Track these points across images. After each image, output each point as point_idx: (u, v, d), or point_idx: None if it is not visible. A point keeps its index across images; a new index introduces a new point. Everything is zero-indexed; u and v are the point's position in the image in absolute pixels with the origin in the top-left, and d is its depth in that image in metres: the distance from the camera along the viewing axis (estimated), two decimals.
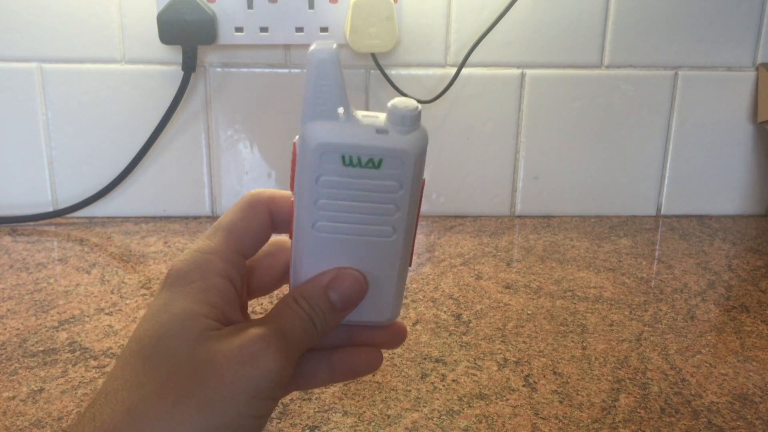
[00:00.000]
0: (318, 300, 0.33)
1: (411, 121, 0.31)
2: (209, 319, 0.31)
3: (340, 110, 0.31)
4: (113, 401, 0.29)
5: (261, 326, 0.31)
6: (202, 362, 0.29)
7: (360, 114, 0.31)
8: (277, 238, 0.36)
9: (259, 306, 0.66)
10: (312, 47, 0.30)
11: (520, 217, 0.91)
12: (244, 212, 0.34)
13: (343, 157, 0.31)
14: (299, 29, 0.82)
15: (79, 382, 0.54)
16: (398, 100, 0.31)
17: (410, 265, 0.35)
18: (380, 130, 0.31)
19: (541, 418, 0.51)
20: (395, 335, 0.37)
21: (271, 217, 0.35)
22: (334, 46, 0.30)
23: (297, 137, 0.32)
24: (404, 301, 0.68)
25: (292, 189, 0.33)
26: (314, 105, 0.31)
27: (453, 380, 0.55)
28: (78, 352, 0.58)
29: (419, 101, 0.85)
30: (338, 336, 0.36)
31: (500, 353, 0.59)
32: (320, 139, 0.30)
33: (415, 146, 0.31)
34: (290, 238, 0.34)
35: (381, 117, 0.31)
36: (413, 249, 0.35)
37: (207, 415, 0.28)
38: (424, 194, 0.35)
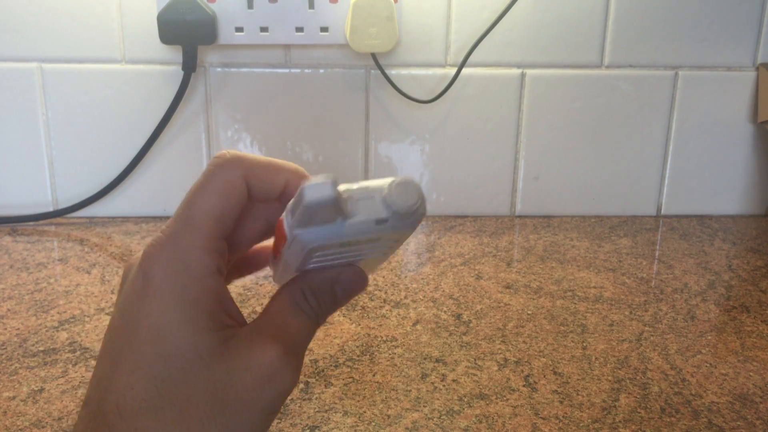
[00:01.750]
0: (326, 295, 0.32)
1: (414, 217, 0.29)
2: (214, 332, 0.29)
3: (333, 207, 0.28)
4: (128, 425, 0.28)
5: (275, 342, 0.30)
6: (221, 385, 0.28)
7: (357, 192, 0.28)
8: (220, 170, 0.31)
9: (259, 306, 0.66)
10: (306, 184, 0.27)
11: (520, 217, 0.91)
12: (220, 189, 0.30)
13: (341, 243, 0.30)
14: (299, 29, 0.82)
15: (80, 382, 0.54)
16: (400, 187, 0.28)
17: None
18: (380, 221, 0.28)
19: (542, 418, 0.51)
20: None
21: (247, 186, 0.31)
22: (331, 181, 0.27)
23: (283, 215, 0.29)
24: (405, 301, 0.68)
25: (275, 252, 0.31)
26: (307, 222, 0.28)
27: (453, 380, 0.55)
28: (78, 352, 0.58)
29: (419, 101, 0.85)
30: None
31: (500, 353, 0.59)
32: (314, 244, 0.29)
33: (413, 228, 0.30)
34: (274, 252, 0.32)
35: (379, 195, 0.28)
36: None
37: None
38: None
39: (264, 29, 0.82)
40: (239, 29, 0.82)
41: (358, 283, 0.33)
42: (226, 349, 0.29)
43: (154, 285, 0.29)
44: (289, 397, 0.52)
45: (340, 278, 0.32)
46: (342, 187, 0.28)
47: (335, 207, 0.27)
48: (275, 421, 0.50)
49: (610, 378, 0.56)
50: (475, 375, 0.56)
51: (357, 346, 0.60)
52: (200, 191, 0.30)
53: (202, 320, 0.29)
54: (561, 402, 0.53)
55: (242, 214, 0.32)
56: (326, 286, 0.32)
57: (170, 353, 0.28)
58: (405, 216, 0.28)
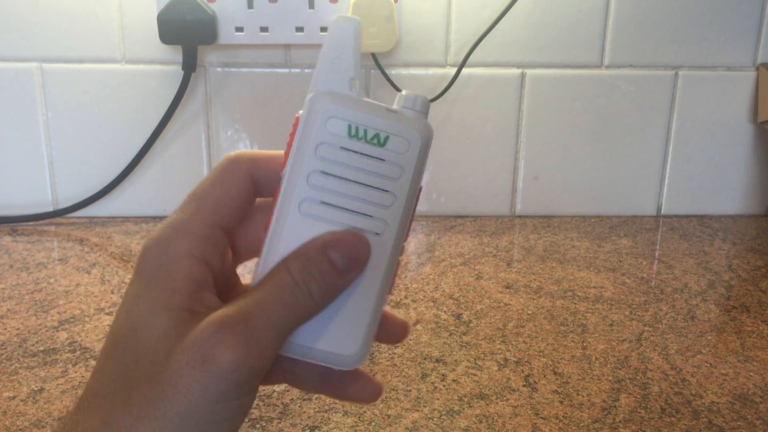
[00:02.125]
0: (316, 261, 0.29)
1: (422, 105, 0.30)
2: (175, 311, 0.28)
3: (354, 81, 0.30)
4: (94, 408, 0.27)
5: (221, 314, 0.27)
6: (161, 368, 0.26)
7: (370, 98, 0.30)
8: (226, 163, 0.32)
9: None
10: (335, 17, 0.30)
11: (520, 217, 0.91)
12: (220, 178, 0.30)
13: (350, 127, 0.29)
14: (299, 29, 0.82)
15: (80, 382, 0.54)
16: (409, 90, 0.31)
17: (391, 294, 0.31)
18: (390, 110, 0.30)
19: (542, 418, 0.51)
20: (372, 390, 0.32)
21: (252, 181, 0.31)
22: (359, 20, 0.30)
23: (300, 111, 0.30)
24: (405, 301, 0.68)
25: (282, 167, 0.30)
26: (329, 72, 0.30)
27: (453, 380, 0.55)
28: (78, 352, 0.58)
29: None
30: (308, 377, 0.32)
31: (500, 353, 0.59)
32: (330, 104, 0.29)
33: (423, 132, 0.30)
34: (266, 228, 0.30)
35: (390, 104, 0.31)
36: (396, 275, 0.31)
37: (166, 430, 0.26)
38: (423, 196, 0.34)
39: (264, 29, 0.82)
40: (239, 29, 0.81)
41: (360, 246, 0.29)
42: (177, 332, 0.27)
43: (140, 265, 0.29)
44: (289, 397, 0.52)
45: (333, 243, 0.29)
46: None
47: (356, 57, 0.30)
48: (275, 421, 0.50)
49: (610, 378, 0.56)
50: (475, 375, 0.56)
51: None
52: (202, 182, 0.30)
53: (163, 298, 0.28)
54: (561, 402, 0.53)
55: (247, 221, 0.32)
56: (314, 250, 0.29)
57: (131, 327, 0.28)
58: (415, 104, 0.30)
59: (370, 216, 0.30)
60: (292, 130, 0.30)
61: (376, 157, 0.29)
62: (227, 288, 0.32)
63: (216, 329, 0.27)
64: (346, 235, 0.29)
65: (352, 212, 0.30)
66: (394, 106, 0.30)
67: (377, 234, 0.30)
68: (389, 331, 0.33)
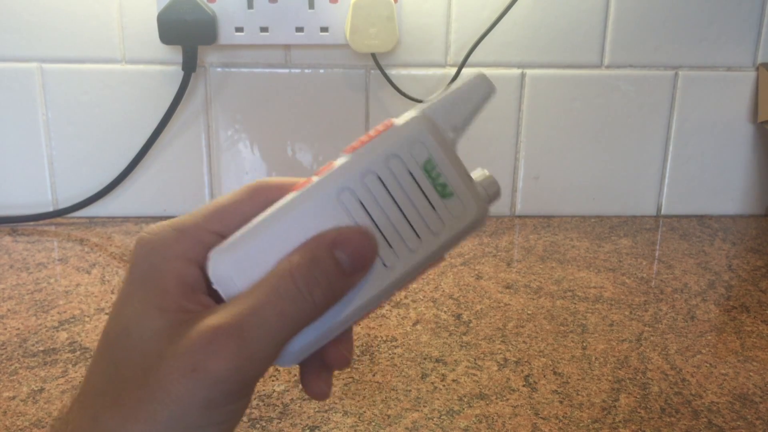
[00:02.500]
0: (322, 263, 0.27)
1: (494, 193, 0.31)
2: (167, 312, 0.27)
3: (457, 131, 0.31)
4: (85, 407, 0.27)
5: (215, 321, 0.27)
6: (151, 371, 0.26)
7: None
8: (252, 184, 0.31)
9: None
10: (480, 73, 0.31)
11: (520, 217, 0.91)
12: (239, 195, 0.30)
13: (429, 161, 0.29)
14: (299, 29, 0.82)
15: (80, 382, 0.54)
16: (490, 174, 0.32)
17: (357, 324, 0.31)
18: (469, 176, 0.31)
19: (542, 418, 0.51)
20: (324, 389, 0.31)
21: (270, 204, 0.30)
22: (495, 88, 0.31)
23: (397, 118, 0.30)
24: (405, 300, 0.68)
25: (349, 150, 0.30)
26: (444, 107, 0.30)
27: (453, 380, 0.55)
28: (78, 352, 0.58)
29: (419, 101, 0.85)
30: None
31: (500, 353, 0.59)
32: (428, 130, 0.29)
33: (480, 214, 0.30)
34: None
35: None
36: (370, 312, 0.30)
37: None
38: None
39: (264, 29, 0.82)
40: (239, 29, 0.82)
41: (367, 246, 0.28)
42: (171, 333, 0.27)
43: (134, 261, 0.29)
44: (289, 397, 0.52)
45: (339, 240, 0.28)
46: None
47: (472, 117, 0.31)
48: (275, 421, 0.50)
49: (610, 378, 0.56)
50: (475, 375, 0.56)
51: (357, 346, 0.60)
52: (223, 196, 0.31)
53: (156, 297, 0.27)
54: (561, 402, 0.53)
55: (237, 203, 0.31)
56: (321, 250, 0.28)
57: (123, 327, 0.28)
58: (491, 190, 0.31)
59: (390, 245, 0.29)
60: (380, 128, 0.30)
61: (431, 203, 0.30)
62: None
63: (209, 339, 0.26)
64: (354, 233, 0.28)
65: (379, 229, 0.29)
66: (473, 174, 0.31)
67: (385, 265, 0.29)
68: (334, 355, 0.31)
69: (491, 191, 0.31)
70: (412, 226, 0.29)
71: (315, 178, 0.29)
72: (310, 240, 0.28)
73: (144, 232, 0.29)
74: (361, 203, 0.29)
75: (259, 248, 0.28)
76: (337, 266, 0.28)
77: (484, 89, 0.31)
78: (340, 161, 0.29)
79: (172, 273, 0.28)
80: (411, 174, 0.29)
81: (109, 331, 0.28)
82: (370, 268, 0.29)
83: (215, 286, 0.29)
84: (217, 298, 0.29)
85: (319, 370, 0.31)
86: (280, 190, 0.30)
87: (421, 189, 0.29)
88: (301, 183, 0.30)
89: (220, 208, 0.30)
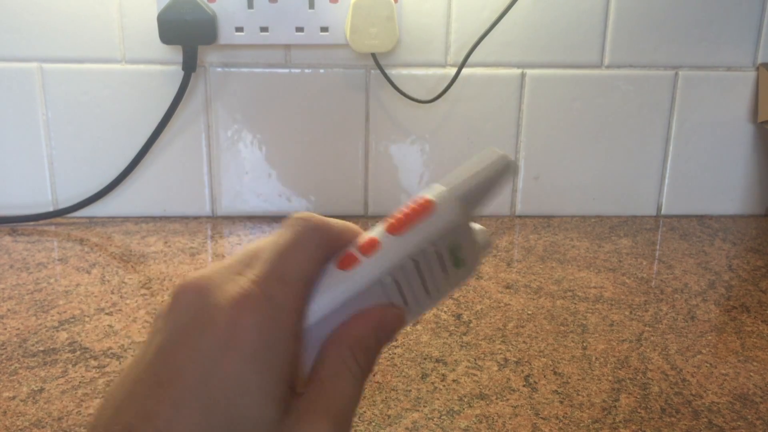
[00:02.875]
0: (373, 346, 0.29)
1: (488, 246, 0.33)
2: (280, 402, 0.27)
3: (476, 209, 0.32)
4: None
5: (326, 418, 0.27)
6: None
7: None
8: (301, 228, 0.30)
9: None
10: (505, 155, 0.32)
11: (520, 217, 0.91)
12: (313, 253, 0.29)
13: (457, 245, 0.31)
14: (299, 29, 0.82)
15: (80, 382, 0.54)
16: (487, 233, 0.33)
17: None
18: (476, 240, 0.33)
19: (542, 418, 0.51)
20: None
21: (326, 252, 0.30)
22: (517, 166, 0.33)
23: (431, 194, 0.31)
24: None
25: (393, 230, 0.30)
26: (473, 192, 0.31)
27: (453, 380, 0.55)
28: (78, 352, 0.58)
29: (419, 101, 0.85)
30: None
31: (500, 353, 0.59)
32: (463, 216, 0.31)
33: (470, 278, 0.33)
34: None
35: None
36: None
37: None
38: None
39: (264, 29, 0.82)
40: (239, 29, 0.81)
41: (399, 324, 0.31)
42: (284, 425, 0.27)
43: (242, 339, 0.26)
44: None
45: (382, 323, 0.30)
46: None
47: (489, 197, 0.32)
48: None
49: (610, 378, 0.56)
50: (475, 375, 0.56)
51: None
52: (294, 249, 0.28)
53: (275, 389, 0.26)
54: (561, 402, 0.53)
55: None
56: (371, 336, 0.29)
57: (234, 416, 0.26)
58: (485, 251, 0.33)
59: (406, 304, 0.31)
60: (419, 207, 0.31)
61: (446, 272, 0.31)
62: None
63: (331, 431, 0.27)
64: (391, 315, 0.30)
65: (402, 297, 0.31)
66: (476, 230, 0.32)
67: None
68: None
69: (487, 246, 0.33)
70: (427, 291, 0.32)
71: (363, 259, 0.30)
72: (360, 323, 0.30)
73: (254, 310, 0.27)
74: (397, 283, 0.30)
75: (317, 336, 0.30)
76: (378, 345, 0.30)
77: (509, 172, 0.32)
78: (385, 244, 0.30)
79: (288, 358, 0.27)
80: (439, 255, 0.31)
81: (213, 408, 0.25)
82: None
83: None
84: None
85: None
86: (334, 235, 0.30)
87: (443, 265, 0.31)
88: (345, 258, 0.30)
89: (303, 273, 0.29)
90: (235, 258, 0.30)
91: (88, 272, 0.74)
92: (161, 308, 0.28)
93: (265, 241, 0.31)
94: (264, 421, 0.26)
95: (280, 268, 0.28)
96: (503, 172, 0.32)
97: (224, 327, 0.26)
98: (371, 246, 0.30)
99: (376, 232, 0.31)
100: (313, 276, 0.29)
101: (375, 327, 0.29)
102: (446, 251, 0.31)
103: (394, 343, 0.60)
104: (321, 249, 0.29)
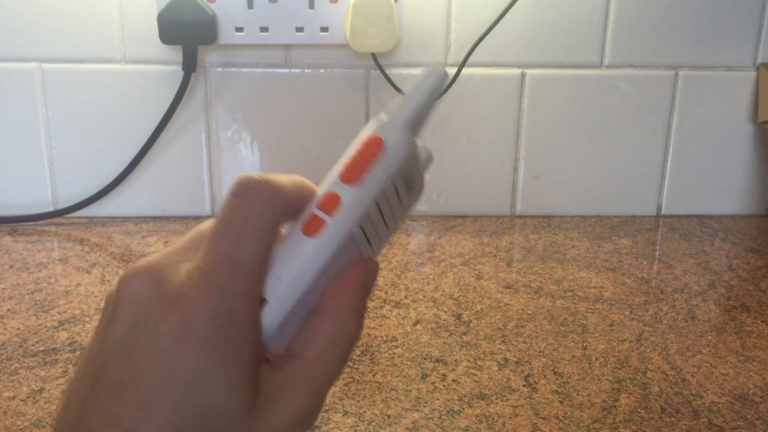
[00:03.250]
0: (358, 311, 0.29)
1: (429, 159, 0.33)
2: (247, 389, 0.27)
3: (419, 126, 0.31)
4: None
5: (306, 390, 0.28)
6: None
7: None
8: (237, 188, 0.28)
9: None
10: (434, 64, 0.31)
11: (520, 217, 0.91)
12: (264, 229, 0.27)
13: (409, 173, 0.31)
14: (299, 29, 0.82)
15: None
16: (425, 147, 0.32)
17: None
18: (422, 156, 0.32)
19: (542, 418, 0.51)
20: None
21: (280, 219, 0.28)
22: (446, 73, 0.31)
23: (376, 130, 0.30)
24: (405, 301, 0.68)
25: (346, 179, 0.29)
26: (416, 114, 0.30)
27: (453, 380, 0.55)
28: (78, 352, 0.58)
29: None
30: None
31: (501, 353, 0.59)
32: (412, 145, 0.30)
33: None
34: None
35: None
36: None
37: None
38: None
39: (264, 29, 0.82)
40: (239, 29, 0.81)
41: (377, 274, 0.30)
42: (256, 407, 0.27)
43: (197, 335, 0.25)
44: None
45: (366, 283, 0.29)
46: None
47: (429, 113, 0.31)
48: None
49: (610, 378, 0.56)
50: (475, 375, 0.56)
51: (357, 346, 0.60)
52: (245, 227, 0.27)
53: (239, 376, 0.26)
54: (561, 402, 0.53)
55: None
56: (359, 300, 0.29)
57: (202, 410, 0.26)
58: (428, 163, 0.32)
59: (373, 250, 0.31)
60: (368, 148, 0.29)
61: (401, 200, 0.31)
62: None
63: (310, 403, 0.27)
64: (371, 271, 0.30)
65: (372, 244, 0.30)
66: (420, 149, 0.32)
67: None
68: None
69: (429, 161, 0.32)
70: (386, 225, 0.31)
71: (329, 220, 0.28)
72: (345, 284, 0.29)
73: (206, 304, 0.26)
74: (363, 230, 0.29)
75: (299, 306, 0.29)
76: (364, 305, 0.30)
77: (441, 80, 0.31)
78: (346, 197, 0.29)
79: (249, 345, 0.27)
80: (396, 188, 0.30)
81: (179, 405, 0.25)
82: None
83: (272, 350, 0.29)
84: None
85: None
86: (285, 197, 0.28)
87: (399, 195, 0.31)
88: (310, 222, 0.29)
89: (258, 255, 0.27)
90: (183, 241, 0.29)
91: (89, 272, 0.74)
92: (109, 297, 0.28)
93: (213, 219, 0.30)
94: (234, 408, 0.26)
95: (230, 251, 0.26)
96: (437, 84, 0.31)
97: (178, 324, 0.25)
98: (334, 203, 0.28)
99: (333, 185, 0.29)
100: (268, 251, 0.27)
101: (360, 289, 0.29)
102: (401, 182, 0.30)
103: (394, 343, 0.60)
104: (275, 221, 0.27)
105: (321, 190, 0.29)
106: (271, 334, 0.28)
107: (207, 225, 0.29)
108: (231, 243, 0.26)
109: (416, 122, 0.30)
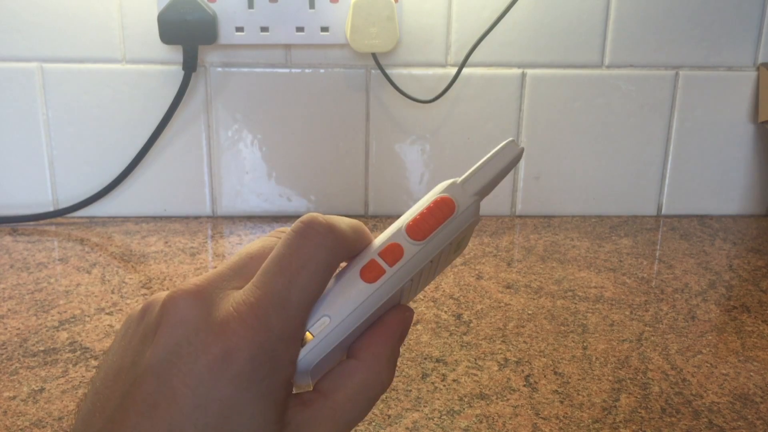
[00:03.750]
0: (393, 357, 0.29)
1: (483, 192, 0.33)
2: (277, 425, 0.27)
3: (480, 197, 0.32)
4: None
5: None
6: None
7: None
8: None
9: None
10: (513, 141, 0.32)
11: (520, 216, 0.91)
12: (322, 275, 0.27)
13: (464, 238, 0.32)
14: (300, 29, 0.82)
15: (80, 382, 0.54)
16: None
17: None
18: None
19: (542, 418, 0.51)
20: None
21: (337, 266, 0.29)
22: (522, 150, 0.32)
23: (449, 192, 0.30)
24: None
25: (415, 235, 0.29)
26: (486, 185, 0.31)
27: (453, 380, 0.55)
28: (78, 352, 0.58)
29: (419, 101, 0.85)
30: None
31: (501, 353, 0.59)
32: (476, 218, 0.31)
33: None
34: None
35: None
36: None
37: None
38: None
39: (264, 29, 0.82)
40: (240, 29, 0.82)
41: (410, 322, 0.31)
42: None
43: (237, 369, 0.25)
44: None
45: (403, 332, 0.30)
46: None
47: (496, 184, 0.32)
48: None
49: (610, 378, 0.56)
50: (475, 375, 0.56)
51: None
52: (301, 268, 0.27)
53: (270, 414, 0.26)
54: (561, 402, 0.53)
55: None
56: (395, 346, 0.29)
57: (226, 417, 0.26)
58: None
59: (411, 298, 0.32)
60: (439, 209, 0.30)
61: (448, 257, 0.32)
62: None
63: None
64: (408, 321, 0.30)
65: (411, 294, 0.31)
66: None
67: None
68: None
69: (477, 221, 0.32)
70: (429, 276, 0.32)
71: (389, 270, 0.29)
72: (386, 340, 0.29)
73: (251, 340, 0.26)
74: (412, 282, 0.30)
75: (339, 346, 0.29)
76: (397, 352, 0.30)
77: (517, 157, 0.32)
78: (409, 250, 0.29)
79: (285, 384, 0.27)
80: (450, 248, 0.31)
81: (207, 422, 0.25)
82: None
83: (299, 383, 0.29)
84: None
85: None
86: (348, 247, 0.29)
87: (449, 253, 0.31)
88: (370, 269, 0.29)
89: (310, 299, 0.28)
90: (231, 263, 0.29)
91: (89, 272, 0.74)
92: (151, 316, 0.27)
93: (265, 242, 0.29)
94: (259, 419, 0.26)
95: (283, 291, 0.26)
96: (514, 159, 0.31)
97: (219, 355, 0.25)
98: (396, 254, 0.29)
99: (397, 236, 0.29)
100: (319, 296, 0.28)
101: (398, 338, 0.29)
102: (455, 243, 0.31)
103: None
104: (332, 269, 0.28)
105: (383, 237, 0.30)
106: (306, 369, 0.28)
107: (257, 249, 0.29)
108: (285, 283, 0.26)
109: (486, 192, 0.31)
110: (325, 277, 0.27)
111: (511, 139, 0.32)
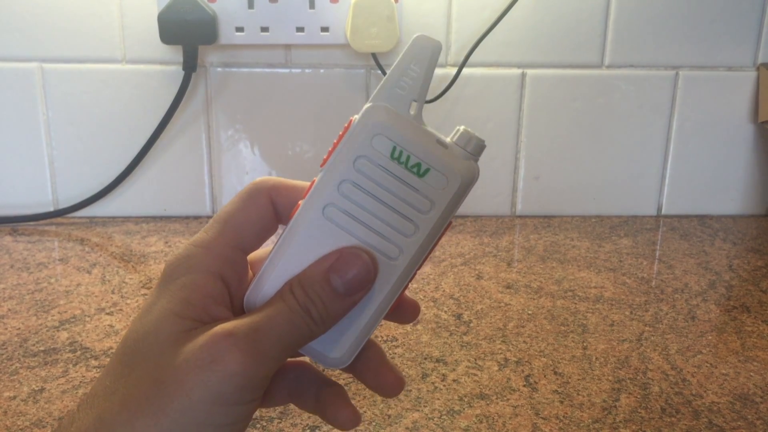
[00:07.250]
0: (317, 286, 0.29)
1: (474, 147, 0.31)
2: (186, 320, 0.29)
3: (416, 104, 0.30)
4: (91, 407, 0.28)
5: (232, 323, 0.29)
6: (166, 367, 0.27)
7: (426, 124, 0.30)
8: (251, 187, 0.33)
9: None
10: (417, 35, 0.30)
11: (520, 216, 0.91)
12: (243, 202, 0.32)
13: (394, 149, 0.29)
14: (300, 29, 0.82)
15: (80, 382, 0.54)
16: (468, 128, 0.31)
17: (389, 311, 0.32)
18: (440, 142, 0.30)
19: (542, 418, 0.51)
20: (349, 417, 0.32)
21: (274, 207, 0.32)
22: (440, 43, 0.30)
23: (356, 115, 0.30)
24: None
25: (322, 165, 0.30)
26: (393, 87, 0.30)
27: (453, 380, 0.55)
28: (79, 352, 0.58)
29: None
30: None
31: (501, 353, 0.59)
32: (381, 120, 0.29)
33: (466, 175, 0.30)
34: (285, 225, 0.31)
35: (444, 136, 0.31)
36: (402, 295, 0.32)
37: (163, 426, 0.27)
38: None
39: (264, 29, 0.82)
40: (240, 29, 0.82)
41: (363, 270, 0.30)
42: (186, 337, 0.28)
43: (162, 277, 0.31)
44: None
45: (337, 266, 0.30)
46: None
47: (425, 79, 0.30)
48: (275, 420, 0.50)
49: (610, 378, 0.56)
50: (475, 375, 0.56)
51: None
52: (226, 205, 0.32)
53: (176, 307, 0.29)
54: (561, 402, 0.53)
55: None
56: (317, 275, 0.30)
57: (142, 333, 0.29)
58: (468, 143, 0.31)
59: (388, 239, 0.30)
60: (342, 132, 0.30)
61: (411, 186, 0.30)
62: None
63: (226, 335, 0.28)
64: (352, 257, 0.30)
65: (372, 230, 0.30)
66: (448, 139, 0.31)
67: (390, 258, 0.30)
68: (402, 312, 0.35)
69: (471, 147, 0.31)
70: (401, 215, 0.30)
71: (301, 201, 0.30)
72: (311, 265, 0.30)
73: (171, 255, 0.31)
74: (347, 213, 0.29)
75: (275, 278, 0.30)
76: (333, 291, 0.30)
77: (428, 48, 0.30)
78: (317, 179, 0.30)
79: (194, 285, 0.30)
80: (382, 167, 0.29)
81: (127, 338, 0.30)
82: (369, 287, 0.30)
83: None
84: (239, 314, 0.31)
85: (341, 399, 0.33)
86: (279, 190, 0.32)
87: (397, 177, 0.30)
88: (294, 209, 0.31)
89: (231, 221, 0.32)
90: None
91: (89, 272, 0.74)
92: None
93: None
94: (162, 331, 0.29)
95: (211, 222, 0.32)
96: (419, 51, 0.30)
97: (158, 282, 0.31)
98: (309, 187, 0.30)
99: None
100: (246, 220, 0.31)
101: (326, 270, 0.30)
102: (388, 161, 0.29)
103: (394, 343, 0.60)
104: (254, 198, 0.32)
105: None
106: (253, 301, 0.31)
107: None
108: (217, 213, 0.33)
109: (399, 94, 0.30)
110: (246, 202, 0.32)
111: (418, 34, 0.30)
